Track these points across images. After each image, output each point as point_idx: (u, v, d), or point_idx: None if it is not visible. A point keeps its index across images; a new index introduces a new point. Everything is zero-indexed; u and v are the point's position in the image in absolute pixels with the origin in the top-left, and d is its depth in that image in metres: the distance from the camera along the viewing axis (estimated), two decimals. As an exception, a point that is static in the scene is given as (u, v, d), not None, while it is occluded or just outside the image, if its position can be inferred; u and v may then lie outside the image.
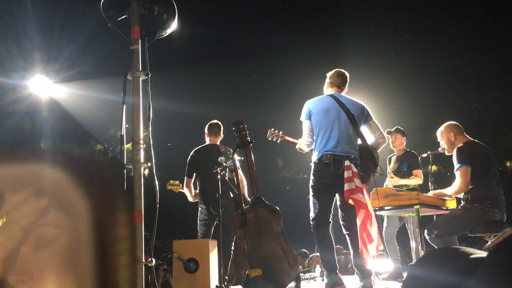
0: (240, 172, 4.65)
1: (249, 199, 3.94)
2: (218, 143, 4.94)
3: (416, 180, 5.23)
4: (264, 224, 3.04)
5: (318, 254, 7.22)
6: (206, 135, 5.02)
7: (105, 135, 19.67)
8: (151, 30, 2.87)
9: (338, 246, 8.34)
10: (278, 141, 4.42)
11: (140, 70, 2.78)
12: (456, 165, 3.94)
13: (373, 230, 3.50)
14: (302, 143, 3.92)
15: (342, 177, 3.52)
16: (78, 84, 13.96)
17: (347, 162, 3.55)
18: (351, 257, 3.72)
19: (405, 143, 5.50)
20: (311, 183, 3.70)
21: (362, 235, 3.46)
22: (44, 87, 13.01)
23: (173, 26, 2.98)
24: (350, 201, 3.47)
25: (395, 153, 5.50)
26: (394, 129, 5.44)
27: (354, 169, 3.54)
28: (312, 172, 3.71)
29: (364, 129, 3.84)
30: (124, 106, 2.71)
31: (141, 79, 2.78)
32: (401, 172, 5.27)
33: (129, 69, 2.78)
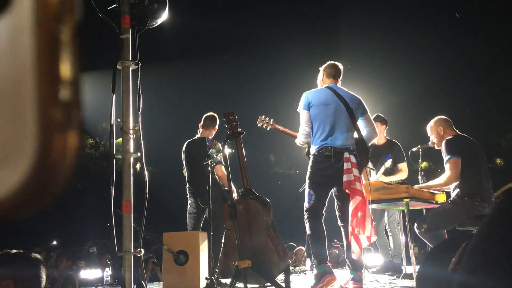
0: (222, 167, 4.60)
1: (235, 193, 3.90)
2: (211, 136, 4.91)
3: (401, 174, 5.04)
4: (254, 216, 3.04)
5: (302, 247, 7.23)
6: (200, 127, 5.01)
7: (97, 129, 19.57)
8: (141, 19, 2.85)
9: (334, 240, 8.36)
10: (268, 129, 4.40)
11: (130, 59, 2.77)
12: (446, 157, 3.95)
13: (367, 221, 3.51)
14: (300, 134, 3.82)
15: (341, 169, 3.54)
16: (69, 77, 13.83)
17: (346, 154, 3.57)
18: (344, 248, 3.73)
19: (385, 132, 5.25)
20: (308, 174, 3.69)
21: (352, 222, 3.47)
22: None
23: (164, 16, 2.96)
24: (347, 191, 3.49)
25: (375, 142, 5.07)
26: (373, 116, 5.21)
27: (353, 160, 3.57)
28: (310, 164, 3.70)
29: (358, 122, 3.85)
30: (114, 95, 2.69)
31: (131, 68, 2.76)
32: (384, 163, 5.02)
33: (119, 59, 2.77)
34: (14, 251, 2.02)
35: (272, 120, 4.42)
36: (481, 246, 0.94)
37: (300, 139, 3.91)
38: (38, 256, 2.06)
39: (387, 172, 5.04)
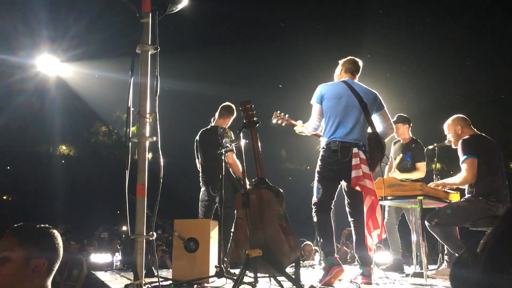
0: (233, 155, 4.63)
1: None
2: (225, 125, 4.91)
3: (417, 174, 5.05)
4: (267, 205, 3.02)
5: (309, 242, 7.24)
6: (215, 116, 5.03)
7: (111, 116, 19.69)
8: (162, 4, 2.85)
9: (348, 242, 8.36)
10: (283, 124, 4.39)
11: (149, 44, 2.76)
12: (462, 157, 3.90)
13: (379, 218, 3.50)
14: (309, 126, 3.89)
15: (349, 164, 3.52)
16: (85, 63, 13.94)
17: (355, 150, 3.55)
18: (354, 244, 3.72)
19: (409, 131, 5.36)
20: (317, 168, 3.70)
21: (368, 222, 3.46)
22: (52, 66, 12.99)
23: (184, 2, 2.95)
24: (357, 188, 3.47)
25: (401, 140, 5.39)
26: (395, 118, 5.23)
27: (362, 156, 3.53)
28: (319, 158, 3.72)
29: (374, 117, 3.82)
30: (132, 79, 2.69)
31: (150, 53, 2.76)
32: (403, 161, 5.14)
33: (138, 42, 2.76)
34: (44, 226, 1.89)
35: (287, 115, 4.41)
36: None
37: (309, 130, 3.92)
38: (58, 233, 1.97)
39: (403, 169, 5.05)
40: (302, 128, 4.04)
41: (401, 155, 5.19)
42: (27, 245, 1.74)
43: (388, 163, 5.27)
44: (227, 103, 5.06)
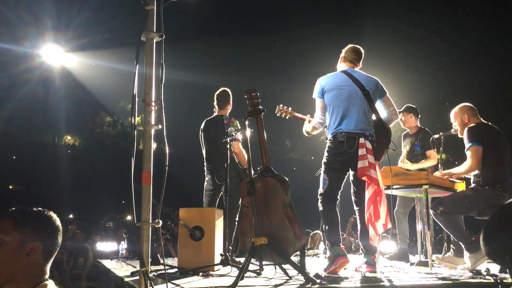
0: (239, 145, 4.62)
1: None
2: (227, 113, 4.88)
3: (429, 162, 5.01)
4: (272, 194, 3.03)
5: (318, 231, 7.25)
6: (214, 105, 4.99)
7: (115, 107, 19.72)
8: (166, -9, 2.82)
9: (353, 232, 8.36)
10: (287, 117, 4.37)
11: (155, 31, 2.74)
12: (467, 145, 3.88)
13: (382, 208, 3.48)
14: (315, 121, 3.85)
15: (355, 154, 3.51)
16: (90, 54, 13.93)
17: (361, 140, 3.53)
18: (358, 233, 3.72)
19: (418, 121, 5.29)
20: (324, 159, 3.69)
21: (368, 210, 3.45)
22: (56, 56, 12.98)
23: (190, -11, 2.93)
24: (363, 178, 3.46)
25: (409, 131, 5.33)
26: (403, 108, 5.20)
27: (369, 146, 3.51)
28: (326, 149, 3.70)
29: (377, 104, 3.79)
30: (137, 67, 2.68)
31: (155, 40, 2.74)
32: (413, 152, 5.12)
33: (143, 30, 2.75)
34: (37, 209, 1.86)
35: (290, 108, 4.39)
36: None
37: (316, 126, 3.87)
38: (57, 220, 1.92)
39: (414, 159, 5.02)
40: (310, 126, 3.99)
41: (407, 146, 5.16)
42: (23, 229, 1.70)
43: (395, 150, 5.24)
44: (221, 89, 4.95)
